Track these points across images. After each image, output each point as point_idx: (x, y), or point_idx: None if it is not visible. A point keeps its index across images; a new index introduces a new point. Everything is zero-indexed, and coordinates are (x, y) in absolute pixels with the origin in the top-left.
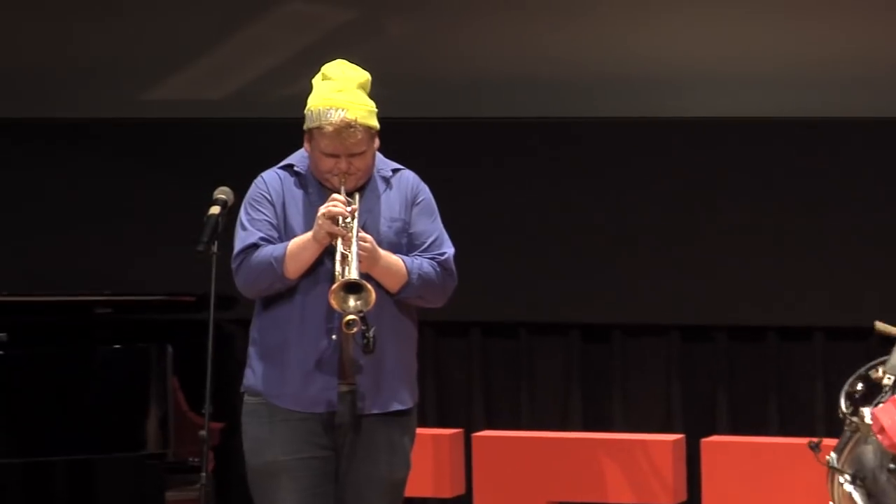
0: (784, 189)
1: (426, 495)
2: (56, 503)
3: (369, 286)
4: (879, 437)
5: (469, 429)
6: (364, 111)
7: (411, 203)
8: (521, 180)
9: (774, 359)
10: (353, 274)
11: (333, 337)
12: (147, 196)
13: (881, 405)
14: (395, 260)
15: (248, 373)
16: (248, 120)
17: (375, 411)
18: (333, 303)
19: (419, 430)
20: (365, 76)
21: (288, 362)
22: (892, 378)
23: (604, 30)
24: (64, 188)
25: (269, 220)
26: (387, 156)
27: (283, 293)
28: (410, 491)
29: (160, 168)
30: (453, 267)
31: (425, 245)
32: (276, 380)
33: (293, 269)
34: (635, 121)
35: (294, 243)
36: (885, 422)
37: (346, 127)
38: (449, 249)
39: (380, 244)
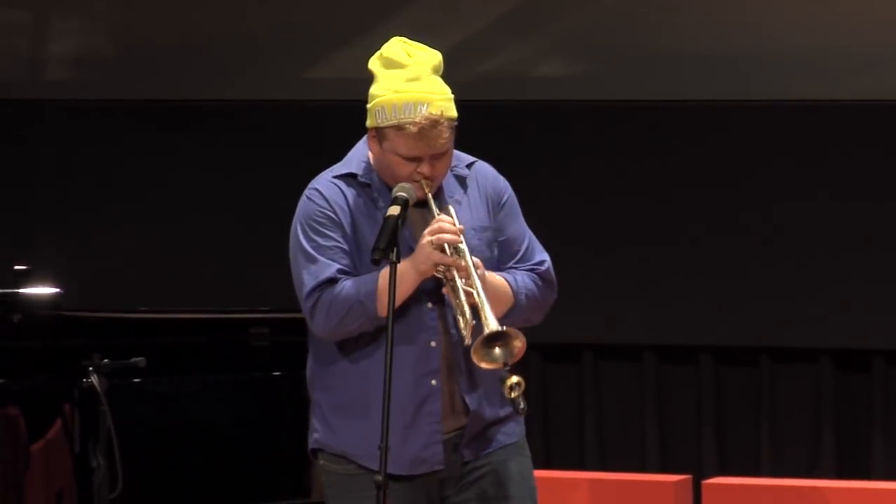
0: None
1: None
2: None
3: (514, 331)
4: None
5: (698, 475)
6: (446, 102)
7: (497, 204)
8: (767, 173)
9: None
10: (491, 322)
11: (434, 382)
12: None
13: None
14: (499, 281)
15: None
16: None
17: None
18: (479, 361)
19: (638, 476)
20: (438, 57)
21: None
22: None
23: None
24: (210, 180)
25: (341, 245)
26: (610, 147)
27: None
28: None
29: (325, 158)
30: (554, 277)
31: (519, 254)
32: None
33: (387, 306)
34: None
35: (386, 275)
36: None
37: (433, 126)
38: (545, 256)
39: None
